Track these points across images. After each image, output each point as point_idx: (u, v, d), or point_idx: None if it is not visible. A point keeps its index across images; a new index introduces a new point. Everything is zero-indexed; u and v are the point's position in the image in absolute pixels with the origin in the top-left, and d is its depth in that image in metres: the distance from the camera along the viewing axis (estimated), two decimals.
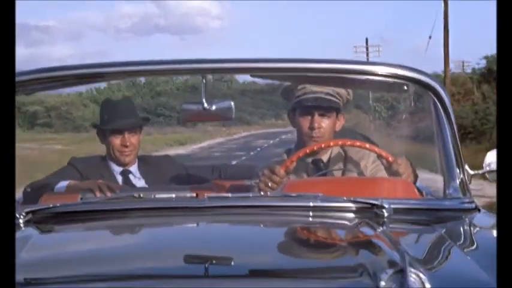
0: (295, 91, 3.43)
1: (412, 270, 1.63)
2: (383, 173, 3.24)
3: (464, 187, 2.61)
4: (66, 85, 2.91)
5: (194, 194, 2.60)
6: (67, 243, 2.27)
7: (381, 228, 2.21)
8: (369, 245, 2.01)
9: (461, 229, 2.46)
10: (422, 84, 2.70)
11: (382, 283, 1.62)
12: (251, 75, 2.83)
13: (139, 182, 4.00)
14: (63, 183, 3.60)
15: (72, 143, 30.33)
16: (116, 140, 3.95)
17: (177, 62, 2.67)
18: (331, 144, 3.27)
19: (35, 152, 24.66)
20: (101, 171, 3.95)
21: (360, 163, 3.38)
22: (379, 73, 2.69)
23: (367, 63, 2.68)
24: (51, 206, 2.43)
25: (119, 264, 1.92)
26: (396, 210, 2.36)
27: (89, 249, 2.12)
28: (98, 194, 3.40)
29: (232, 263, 1.89)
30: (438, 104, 2.69)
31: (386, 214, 2.32)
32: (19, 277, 1.73)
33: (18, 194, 3.83)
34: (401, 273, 1.63)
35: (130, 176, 4.01)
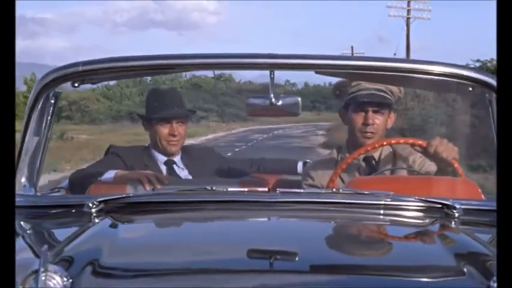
0: (348, 88, 3.46)
1: None
2: (430, 165, 3.28)
3: None
4: (131, 76, 2.94)
5: (266, 188, 2.61)
6: (148, 235, 2.29)
7: (459, 228, 2.23)
8: (459, 244, 2.01)
9: None
10: (487, 86, 2.67)
11: (495, 285, 1.62)
12: (315, 72, 2.83)
13: (182, 172, 4.03)
14: (110, 173, 3.62)
15: (94, 133, 34.84)
16: (164, 129, 3.98)
17: (242, 56, 2.68)
18: (376, 145, 3.31)
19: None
20: (145, 160, 3.97)
21: (408, 158, 3.41)
22: (443, 73, 2.66)
23: (429, 62, 2.66)
24: (123, 195, 2.45)
25: (192, 257, 1.93)
26: (465, 211, 2.37)
27: (168, 241, 2.13)
28: (147, 185, 3.43)
29: (297, 258, 1.89)
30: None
31: (456, 214, 2.34)
32: (111, 267, 1.77)
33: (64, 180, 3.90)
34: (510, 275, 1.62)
35: (174, 166, 4.04)
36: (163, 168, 4.01)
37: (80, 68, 2.64)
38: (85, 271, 1.68)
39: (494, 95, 2.67)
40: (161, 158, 4.04)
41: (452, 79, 2.68)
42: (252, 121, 50.85)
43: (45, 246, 1.63)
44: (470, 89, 2.74)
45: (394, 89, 3.44)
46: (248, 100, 2.83)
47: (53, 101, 2.76)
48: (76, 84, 2.71)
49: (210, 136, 36.48)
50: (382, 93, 3.39)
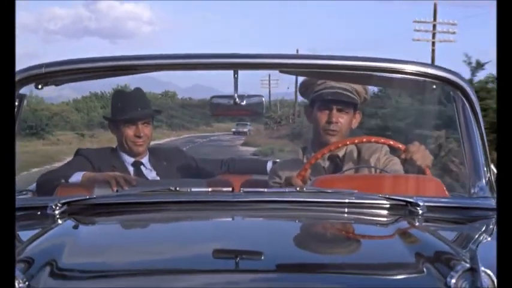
0: (314, 86, 3.47)
1: (483, 268, 1.61)
2: (395, 164, 3.30)
3: (491, 186, 2.63)
4: (95, 77, 2.91)
5: (230, 188, 2.62)
6: (110, 235, 2.28)
7: (422, 226, 2.24)
8: (421, 242, 2.01)
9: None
10: (451, 84, 2.70)
11: (453, 281, 1.62)
12: (280, 71, 2.83)
13: (150, 173, 4.01)
14: (77, 175, 3.61)
15: (78, 139, 41.35)
16: (129, 131, 3.96)
17: (210, 56, 2.67)
18: (348, 143, 3.31)
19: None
20: (113, 162, 3.95)
21: (373, 157, 3.43)
22: (408, 71, 2.68)
23: (396, 61, 2.68)
24: (87, 197, 2.43)
25: (154, 257, 1.92)
26: (428, 208, 2.38)
27: (130, 242, 2.13)
28: (115, 187, 3.41)
29: (263, 257, 1.88)
30: (466, 103, 2.70)
31: (420, 212, 2.34)
32: (69, 268, 1.75)
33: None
34: (471, 272, 1.62)
35: (142, 168, 4.02)
36: (131, 170, 3.99)
37: (44, 70, 2.62)
38: (43, 272, 1.67)
39: (458, 92, 2.70)
40: (128, 160, 4.02)
41: (418, 77, 2.70)
42: (193, 130, 66.59)
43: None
44: (434, 86, 2.77)
45: (360, 89, 3.45)
46: (212, 100, 2.82)
47: (17, 103, 2.74)
48: (39, 86, 2.69)
49: (164, 140, 41.10)
50: (347, 93, 3.40)
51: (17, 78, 2.61)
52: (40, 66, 2.63)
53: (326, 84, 3.41)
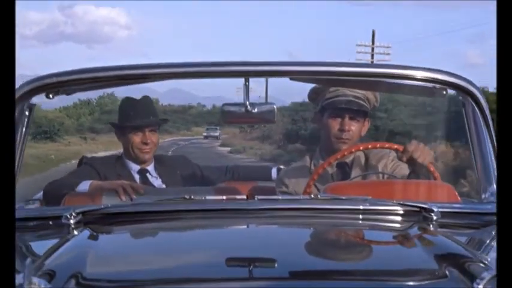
0: (325, 92, 3.47)
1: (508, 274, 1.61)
2: (402, 168, 3.31)
3: None
4: (107, 86, 2.91)
5: (245, 196, 2.60)
6: (129, 245, 2.28)
7: (439, 231, 2.24)
8: (441, 247, 2.00)
9: None
10: (462, 90, 2.71)
11: (480, 287, 1.60)
12: (290, 79, 2.83)
13: (156, 181, 4.04)
14: (85, 184, 3.62)
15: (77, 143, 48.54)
16: (136, 138, 3.98)
17: (221, 64, 2.67)
18: (353, 150, 3.32)
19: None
20: (118, 170, 3.97)
21: (380, 162, 3.44)
22: (418, 77, 2.68)
23: (406, 67, 2.67)
24: (102, 207, 2.43)
25: (174, 267, 1.91)
26: (442, 214, 2.37)
27: (148, 252, 2.12)
28: (123, 195, 3.42)
29: (277, 265, 1.87)
30: (477, 109, 2.71)
31: (435, 218, 2.34)
32: (94, 279, 1.75)
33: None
34: (496, 278, 1.62)
35: (148, 175, 4.05)
36: (137, 177, 4.00)
37: (55, 79, 2.61)
38: (69, 284, 1.66)
39: (469, 98, 2.71)
40: (134, 167, 4.03)
41: (429, 83, 2.70)
42: (175, 133, 73.29)
43: (29, 260, 1.61)
44: (444, 92, 2.77)
45: (371, 96, 3.46)
46: (223, 107, 2.82)
47: (27, 113, 2.74)
48: (51, 96, 2.69)
49: None
50: (359, 101, 3.41)
51: (29, 88, 2.61)
52: (51, 76, 2.63)
53: (339, 92, 3.41)
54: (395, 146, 3.19)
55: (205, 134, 65.96)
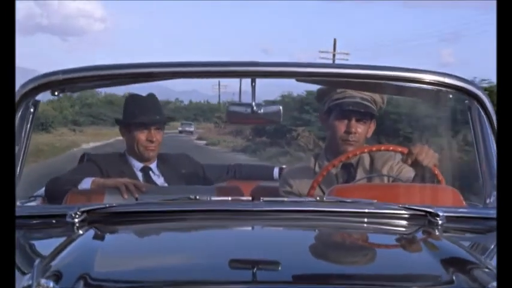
0: (332, 94, 3.46)
1: None
2: (407, 171, 3.30)
3: None
4: (113, 84, 2.91)
5: (250, 197, 2.60)
6: (135, 245, 2.27)
7: (444, 235, 2.23)
8: (447, 252, 2.00)
9: None
10: (467, 93, 2.70)
11: None
12: (296, 80, 2.82)
13: (158, 179, 4.02)
14: (87, 181, 3.60)
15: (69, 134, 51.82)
16: (142, 135, 3.96)
17: (228, 64, 2.67)
18: (358, 152, 3.32)
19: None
20: (121, 167, 3.95)
21: (386, 165, 3.43)
22: (425, 80, 2.67)
23: (413, 70, 2.67)
24: (107, 205, 2.42)
25: (179, 268, 1.92)
26: (447, 218, 2.37)
27: (154, 252, 2.12)
28: (125, 193, 3.41)
29: (280, 267, 1.87)
30: (482, 112, 2.70)
31: (440, 222, 2.33)
32: (103, 279, 1.75)
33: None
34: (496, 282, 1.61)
35: (151, 173, 4.02)
36: (140, 175, 3.99)
37: (61, 77, 2.60)
38: (78, 285, 1.66)
39: (474, 101, 2.70)
40: (137, 165, 4.02)
41: (435, 87, 2.69)
42: None
43: (37, 261, 1.60)
44: (450, 96, 2.76)
45: (378, 98, 3.45)
46: (229, 108, 2.81)
47: (32, 110, 2.73)
48: (56, 93, 2.69)
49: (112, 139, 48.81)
50: (367, 103, 3.40)
51: (34, 85, 2.60)
52: (57, 73, 2.62)
53: (346, 93, 3.40)
54: (400, 149, 3.18)
55: (180, 128, 67.00)
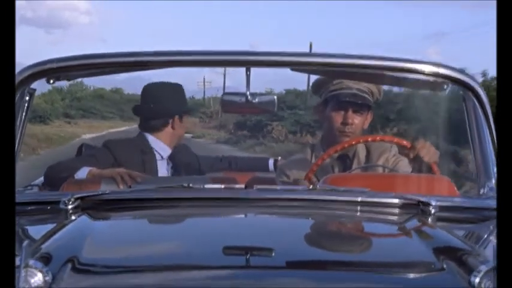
0: (329, 85, 3.45)
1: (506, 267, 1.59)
2: (404, 164, 3.30)
3: None
4: (108, 72, 2.90)
5: (243, 185, 2.60)
6: (126, 232, 2.27)
7: (436, 224, 2.23)
8: (438, 240, 2.00)
9: None
10: (463, 84, 2.70)
11: (477, 280, 1.59)
12: (292, 69, 2.81)
13: (165, 165, 4.06)
14: (83, 171, 3.61)
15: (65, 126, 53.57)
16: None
17: (224, 53, 2.67)
18: (353, 142, 3.30)
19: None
20: (141, 146, 4.01)
21: (382, 156, 3.43)
22: (420, 71, 2.67)
23: (409, 60, 2.66)
24: (100, 192, 2.43)
25: (170, 254, 1.92)
26: (440, 208, 2.36)
27: (145, 238, 2.12)
28: (120, 183, 3.41)
29: (273, 254, 1.86)
30: (477, 103, 2.70)
31: (432, 211, 2.33)
32: (90, 264, 1.75)
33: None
34: (494, 271, 1.59)
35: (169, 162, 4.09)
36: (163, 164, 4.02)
37: (55, 65, 2.60)
38: (65, 268, 1.66)
39: (469, 93, 2.70)
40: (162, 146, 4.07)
41: (430, 77, 2.69)
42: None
43: (26, 242, 1.60)
44: (445, 86, 2.76)
45: (374, 89, 3.45)
46: (224, 97, 2.81)
47: (27, 98, 2.73)
48: (51, 81, 2.68)
49: (122, 128, 48.11)
50: (363, 94, 3.40)
51: (30, 72, 2.60)
52: (52, 61, 2.62)
53: (342, 84, 3.40)
54: (404, 142, 3.17)
55: None
